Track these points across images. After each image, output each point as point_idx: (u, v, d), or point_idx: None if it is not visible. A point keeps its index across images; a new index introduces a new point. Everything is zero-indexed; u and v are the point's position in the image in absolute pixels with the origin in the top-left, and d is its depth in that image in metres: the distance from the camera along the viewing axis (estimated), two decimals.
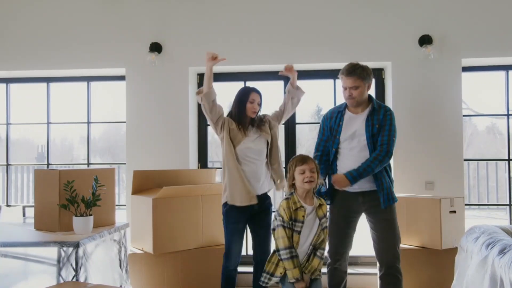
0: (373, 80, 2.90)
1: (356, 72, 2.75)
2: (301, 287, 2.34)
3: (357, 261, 3.87)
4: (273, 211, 2.87)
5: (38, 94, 4.68)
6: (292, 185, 2.46)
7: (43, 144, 7.59)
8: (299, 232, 2.33)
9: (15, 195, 7.01)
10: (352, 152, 2.78)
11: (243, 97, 2.94)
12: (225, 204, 2.88)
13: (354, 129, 2.80)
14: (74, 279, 2.48)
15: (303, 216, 2.35)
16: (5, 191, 4.52)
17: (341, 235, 2.80)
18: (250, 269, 3.10)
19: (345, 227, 2.80)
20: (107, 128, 8.98)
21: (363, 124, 2.79)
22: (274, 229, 2.44)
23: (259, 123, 2.97)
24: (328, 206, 2.72)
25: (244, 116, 2.92)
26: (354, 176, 2.67)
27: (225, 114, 3.01)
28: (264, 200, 2.93)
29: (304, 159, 2.43)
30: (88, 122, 4.39)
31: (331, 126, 2.91)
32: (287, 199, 2.43)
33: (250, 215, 2.89)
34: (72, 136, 9.35)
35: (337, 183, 2.72)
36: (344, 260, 2.83)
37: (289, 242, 2.33)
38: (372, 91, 4.03)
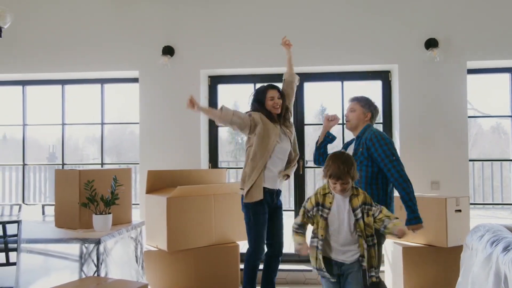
0: (374, 115, 2.93)
1: (358, 98, 2.94)
2: (304, 250, 2.34)
3: None
4: None
5: (50, 96, 4.81)
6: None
7: (54, 144, 7.73)
8: (325, 218, 2.34)
9: (28, 193, 7.16)
10: None
11: (260, 97, 3.04)
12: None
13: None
14: (96, 274, 2.59)
15: (330, 203, 2.35)
16: (21, 190, 4.66)
17: None
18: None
19: None
20: (112, 129, 9.11)
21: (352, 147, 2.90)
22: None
23: (285, 121, 3.09)
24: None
25: (269, 114, 3.01)
26: (411, 217, 2.69)
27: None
28: (278, 196, 3.10)
29: (338, 176, 2.28)
30: (102, 123, 4.50)
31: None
32: (322, 187, 2.43)
33: (271, 209, 3.04)
34: (77, 136, 9.48)
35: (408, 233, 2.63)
36: None
37: (301, 220, 2.40)
38: (379, 93, 4.16)
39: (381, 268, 3.46)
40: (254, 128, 2.95)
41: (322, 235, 2.34)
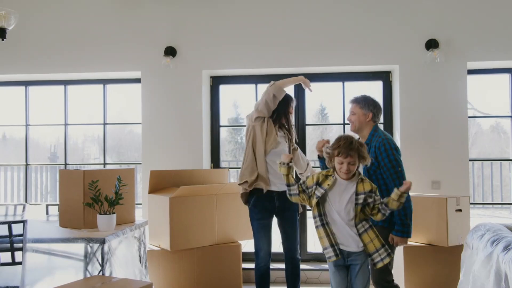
0: (376, 114, 2.89)
1: (357, 100, 2.93)
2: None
3: None
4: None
5: (52, 96, 4.83)
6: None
7: (55, 144, 7.74)
8: (317, 197, 2.31)
9: (30, 193, 7.18)
10: None
11: (287, 103, 3.08)
12: (251, 197, 2.97)
13: None
14: (100, 274, 2.62)
15: (328, 185, 2.31)
16: (23, 190, 4.69)
17: None
18: (282, 265, 3.17)
19: None
20: (111, 128, 9.13)
21: None
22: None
23: (287, 129, 3.10)
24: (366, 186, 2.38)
25: (281, 119, 3.05)
26: (399, 229, 2.65)
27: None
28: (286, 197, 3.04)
29: (347, 152, 2.25)
30: (104, 124, 4.53)
31: None
32: (328, 169, 2.41)
33: (275, 212, 3.01)
34: (77, 136, 9.50)
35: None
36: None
37: (293, 180, 2.40)
38: (380, 94, 4.20)
39: None
40: (263, 122, 2.97)
41: (319, 212, 2.32)
